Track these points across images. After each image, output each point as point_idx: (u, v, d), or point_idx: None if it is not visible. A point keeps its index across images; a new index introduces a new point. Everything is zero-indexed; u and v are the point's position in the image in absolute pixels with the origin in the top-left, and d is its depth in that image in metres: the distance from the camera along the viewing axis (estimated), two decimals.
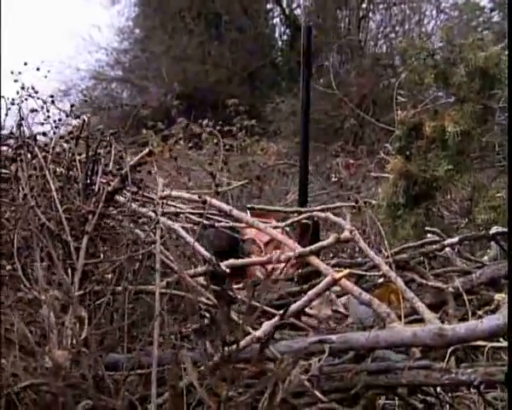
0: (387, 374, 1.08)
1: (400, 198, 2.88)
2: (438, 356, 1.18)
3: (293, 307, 1.12)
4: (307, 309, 1.32)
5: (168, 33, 11.66)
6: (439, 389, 1.09)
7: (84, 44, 12.43)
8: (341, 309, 1.35)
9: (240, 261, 1.31)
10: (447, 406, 1.10)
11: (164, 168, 3.39)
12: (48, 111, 1.36)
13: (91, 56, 12.55)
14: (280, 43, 12.37)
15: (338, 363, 1.13)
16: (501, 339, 1.12)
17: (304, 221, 1.59)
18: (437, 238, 1.61)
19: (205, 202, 1.26)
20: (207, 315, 0.98)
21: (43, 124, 1.39)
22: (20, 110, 1.26)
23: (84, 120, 1.26)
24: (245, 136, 5.69)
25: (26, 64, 1.28)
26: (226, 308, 0.86)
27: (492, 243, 1.79)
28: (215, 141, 4.77)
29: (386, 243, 1.31)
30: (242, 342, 0.91)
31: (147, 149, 1.23)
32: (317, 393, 1.01)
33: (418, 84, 2.93)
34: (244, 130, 5.84)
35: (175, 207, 1.41)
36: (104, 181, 1.25)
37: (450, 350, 1.12)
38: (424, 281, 1.37)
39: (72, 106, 1.31)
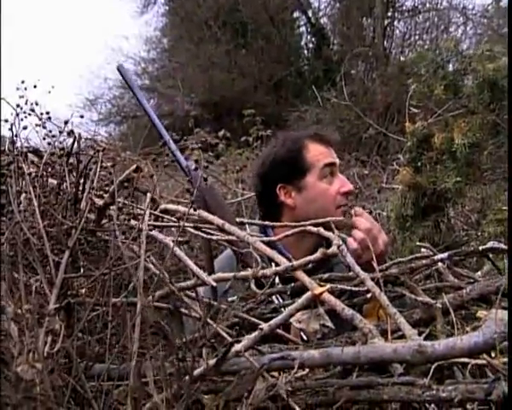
0: (370, 389, 1.08)
1: (409, 210, 2.89)
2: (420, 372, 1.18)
3: (273, 322, 1.14)
4: (296, 324, 1.33)
5: (194, 42, 11.80)
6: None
7: (112, 54, 12.66)
8: (329, 324, 1.35)
9: (227, 275, 1.32)
10: None
11: (178, 179, 3.43)
12: (45, 128, 1.40)
13: None
14: (306, 51, 12.41)
15: (322, 378, 1.14)
16: (484, 355, 1.12)
17: None
18: (429, 253, 1.61)
19: (196, 209, 1.29)
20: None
21: (44, 138, 1.42)
22: (12, 127, 1.30)
23: (75, 137, 1.29)
24: (262, 146, 5.73)
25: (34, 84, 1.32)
26: (177, 320, 0.87)
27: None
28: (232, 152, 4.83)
29: (374, 258, 1.32)
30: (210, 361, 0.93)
31: (133, 166, 1.26)
32: (297, 407, 1.02)
33: (428, 96, 2.93)
34: (260, 140, 5.88)
35: (169, 220, 1.43)
36: (95, 197, 1.28)
37: (434, 366, 1.12)
38: (414, 296, 1.36)
39: (65, 122, 1.34)
